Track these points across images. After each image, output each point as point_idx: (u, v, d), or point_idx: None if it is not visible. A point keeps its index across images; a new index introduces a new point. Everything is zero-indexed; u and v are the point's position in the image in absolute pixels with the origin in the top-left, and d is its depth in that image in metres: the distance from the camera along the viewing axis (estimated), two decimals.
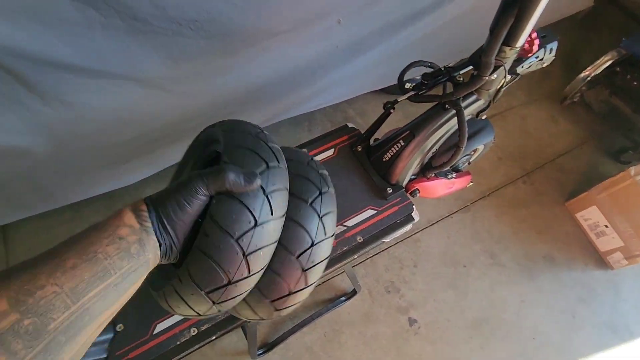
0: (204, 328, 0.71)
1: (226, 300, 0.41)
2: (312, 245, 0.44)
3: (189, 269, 0.39)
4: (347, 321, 1.36)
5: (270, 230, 0.41)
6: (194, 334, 0.70)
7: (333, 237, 0.47)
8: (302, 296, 0.46)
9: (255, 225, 0.40)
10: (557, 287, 1.51)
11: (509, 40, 0.64)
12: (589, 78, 1.74)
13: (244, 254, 0.39)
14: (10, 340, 0.25)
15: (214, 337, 0.72)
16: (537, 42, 0.73)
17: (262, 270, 0.42)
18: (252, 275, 0.40)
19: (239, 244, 0.39)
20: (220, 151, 0.46)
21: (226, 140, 0.46)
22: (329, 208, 0.48)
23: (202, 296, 0.40)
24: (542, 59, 0.80)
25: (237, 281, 0.40)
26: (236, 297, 0.41)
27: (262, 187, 0.41)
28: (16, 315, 0.26)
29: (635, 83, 1.72)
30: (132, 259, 0.34)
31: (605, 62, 1.67)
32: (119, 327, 0.69)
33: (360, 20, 1.26)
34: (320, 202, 0.46)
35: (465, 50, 1.76)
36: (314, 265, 0.45)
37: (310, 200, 0.46)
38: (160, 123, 1.23)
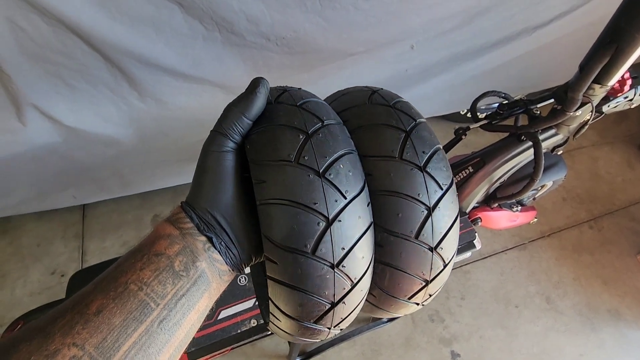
0: (253, 325, 0.75)
1: (345, 254, 0.27)
2: (430, 213, 0.29)
3: (270, 236, 0.27)
4: (387, 343, 1.34)
5: (336, 134, 0.29)
6: (253, 325, 0.74)
7: (452, 183, 0.31)
8: (441, 281, 0.32)
9: (308, 136, 0.28)
10: (621, 346, 1.37)
11: (601, 78, 0.63)
12: None
13: (318, 174, 0.27)
14: None
15: (269, 332, 0.76)
16: (629, 82, 0.71)
17: (364, 185, 0.29)
18: (352, 199, 0.27)
19: (304, 165, 0.27)
20: None
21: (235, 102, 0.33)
22: (429, 146, 0.31)
23: (308, 260, 0.27)
24: (631, 100, 0.78)
25: (338, 213, 0.27)
26: (350, 314, 0.30)
27: (287, 103, 0.31)
28: None
29: None
30: (178, 278, 0.25)
31: None
32: None
33: (432, 47, 1.29)
34: (413, 148, 0.30)
35: (533, 86, 1.72)
36: (444, 236, 0.30)
37: (397, 152, 0.30)
38: None
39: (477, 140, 1.61)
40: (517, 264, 1.53)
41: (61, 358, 0.20)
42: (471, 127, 0.90)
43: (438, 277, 0.31)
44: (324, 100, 0.36)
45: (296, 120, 0.29)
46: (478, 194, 0.89)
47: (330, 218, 0.27)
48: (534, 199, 1.11)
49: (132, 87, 1.08)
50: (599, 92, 0.66)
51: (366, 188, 0.29)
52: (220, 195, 0.28)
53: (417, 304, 0.33)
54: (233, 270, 0.29)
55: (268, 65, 1.10)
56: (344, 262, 0.27)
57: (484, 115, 0.88)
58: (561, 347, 1.36)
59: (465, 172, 0.88)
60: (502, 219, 0.99)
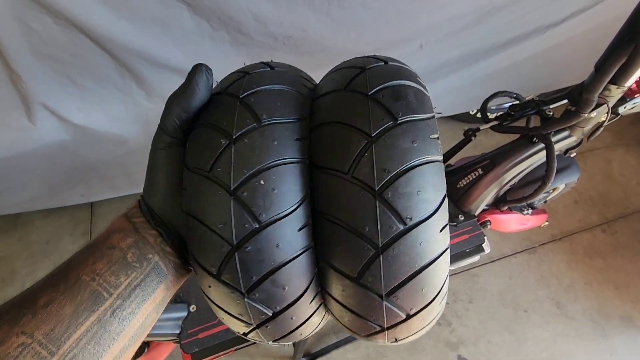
0: None
1: (257, 282, 0.24)
2: (379, 253, 0.23)
3: (189, 246, 0.27)
4: (392, 346, 1.32)
5: (265, 141, 0.24)
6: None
7: (428, 224, 0.24)
8: (429, 316, 0.27)
9: (231, 141, 0.24)
10: (633, 352, 1.34)
11: (617, 79, 0.61)
12: None
13: (228, 190, 0.24)
14: None
15: None
16: None
17: (296, 210, 0.24)
18: (267, 223, 0.23)
19: (215, 178, 0.24)
20: None
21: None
22: (388, 80, 0.26)
23: (216, 284, 0.25)
24: None
25: (244, 240, 0.23)
26: (270, 272, 0.25)
27: (231, 94, 0.27)
28: None
29: None
30: (132, 269, 0.25)
31: None
32: (193, 308, 0.75)
33: (441, 47, 1.27)
34: (371, 163, 0.24)
35: (545, 87, 1.69)
36: (398, 286, 0.24)
37: (345, 84, 0.27)
38: None
39: (487, 141, 1.58)
40: (527, 267, 1.50)
41: (10, 345, 0.20)
42: (481, 128, 0.88)
43: (420, 313, 0.26)
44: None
45: (227, 119, 0.25)
46: (487, 196, 0.87)
47: (235, 244, 0.23)
48: (545, 202, 1.09)
49: (140, 86, 1.08)
50: (616, 93, 0.64)
51: (300, 210, 0.24)
52: (155, 190, 0.28)
53: (399, 340, 0.30)
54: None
55: None
56: (256, 290, 0.24)
57: (494, 115, 0.86)
58: (571, 354, 1.33)
59: (475, 174, 0.86)
60: (512, 222, 0.97)
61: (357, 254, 0.24)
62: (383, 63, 0.29)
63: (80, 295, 0.23)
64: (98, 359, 0.23)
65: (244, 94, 0.26)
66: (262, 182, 0.23)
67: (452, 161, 0.99)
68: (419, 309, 0.25)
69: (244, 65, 0.32)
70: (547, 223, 1.06)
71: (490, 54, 1.37)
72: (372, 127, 0.24)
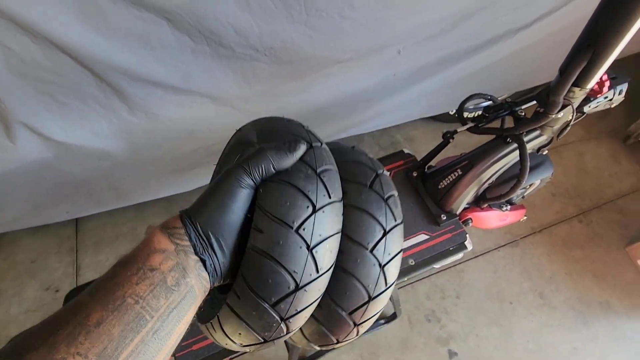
0: None
1: (296, 313, 0.33)
2: (385, 234, 0.36)
3: (246, 277, 0.31)
4: (385, 345, 1.35)
5: (332, 216, 0.33)
6: None
7: (402, 223, 0.39)
8: (381, 303, 0.38)
9: (314, 210, 0.32)
10: (614, 337, 1.40)
11: (580, 82, 0.65)
12: None
13: (308, 247, 0.32)
14: None
15: None
16: (607, 83, 0.74)
17: (331, 269, 0.34)
18: (321, 275, 0.33)
19: (301, 235, 0.31)
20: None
21: (258, 129, 0.41)
22: (391, 190, 0.40)
23: (266, 311, 0.32)
24: (610, 100, 0.80)
25: (306, 284, 0.32)
26: (307, 307, 0.33)
27: (310, 166, 0.34)
28: None
29: None
30: (170, 292, 0.27)
31: None
32: None
33: (419, 52, 1.31)
34: (380, 184, 0.39)
35: (519, 86, 1.76)
36: (391, 259, 0.37)
37: (369, 183, 0.39)
38: (225, 136, 1.31)
39: (468, 140, 1.63)
40: (510, 261, 1.55)
41: None
42: (458, 130, 0.92)
43: (379, 297, 0.37)
44: (332, 146, 0.43)
45: (310, 189, 0.33)
46: (468, 195, 0.91)
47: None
48: (523, 197, 1.14)
49: (122, 101, 1.08)
50: (579, 94, 0.68)
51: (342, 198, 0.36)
52: (224, 219, 0.31)
53: (355, 324, 0.37)
54: (213, 285, 0.32)
55: (257, 75, 1.12)
56: (318, 248, 0.32)
57: (473, 114, 0.90)
58: (555, 343, 1.38)
59: (455, 175, 0.89)
60: (492, 218, 1.01)
61: (356, 298, 0.36)
62: (388, 173, 0.45)
63: (127, 317, 0.25)
64: None
65: (320, 170, 0.35)
66: (327, 246, 0.33)
67: (433, 162, 1.03)
68: (391, 282, 0.38)
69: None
70: (525, 217, 1.11)
71: (465, 57, 1.42)
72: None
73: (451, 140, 0.92)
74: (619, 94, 0.80)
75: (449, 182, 0.90)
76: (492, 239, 1.61)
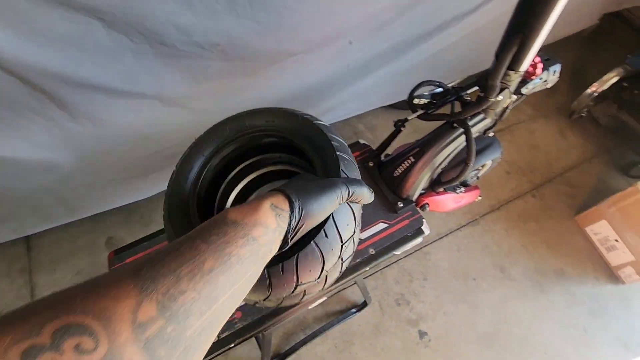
0: (223, 335, 0.75)
1: (346, 259, 0.49)
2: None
3: (299, 260, 0.43)
4: (358, 333, 1.38)
5: (355, 244, 0.49)
6: (214, 340, 0.73)
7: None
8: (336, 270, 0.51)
9: (353, 234, 0.46)
10: (568, 302, 1.50)
11: (514, 65, 0.68)
12: (595, 94, 1.77)
13: (341, 259, 0.46)
14: (156, 347, 0.24)
15: (232, 345, 0.76)
16: (540, 65, 0.77)
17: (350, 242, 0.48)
18: (339, 276, 0.49)
19: (341, 249, 0.45)
20: (304, 149, 0.54)
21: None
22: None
23: (339, 249, 0.45)
24: (546, 81, 0.84)
25: (326, 281, 0.47)
26: (347, 258, 0.49)
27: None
28: (162, 321, 0.25)
29: None
30: (258, 262, 0.33)
31: (611, 78, 1.70)
32: None
33: (370, 41, 1.32)
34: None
35: (470, 69, 1.81)
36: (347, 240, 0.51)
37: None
38: (179, 138, 1.29)
39: (428, 127, 1.68)
40: (472, 239, 1.62)
41: (186, 297, 0.27)
42: (409, 118, 0.94)
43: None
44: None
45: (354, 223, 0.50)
46: (422, 181, 0.93)
47: (355, 232, 0.49)
48: (477, 178, 1.18)
49: (62, 109, 1.02)
50: (514, 77, 0.71)
51: None
52: (317, 219, 0.40)
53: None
54: None
55: (206, 73, 1.08)
56: (345, 261, 0.50)
57: (425, 101, 0.92)
58: (517, 312, 1.46)
59: (408, 162, 0.91)
60: (448, 201, 1.04)
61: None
62: None
63: (229, 271, 0.30)
64: (227, 315, 0.31)
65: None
66: (351, 243, 0.48)
67: (390, 150, 1.05)
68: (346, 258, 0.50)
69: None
70: (480, 198, 1.16)
71: (416, 44, 1.45)
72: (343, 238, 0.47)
73: (402, 128, 0.94)
74: (553, 74, 0.84)
75: (403, 169, 0.92)
76: (454, 220, 1.67)
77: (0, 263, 1.40)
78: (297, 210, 0.37)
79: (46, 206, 1.32)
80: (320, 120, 0.57)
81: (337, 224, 0.44)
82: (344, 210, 0.45)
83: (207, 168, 0.58)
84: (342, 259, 0.47)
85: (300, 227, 0.38)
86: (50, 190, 1.26)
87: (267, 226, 0.34)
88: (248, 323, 0.76)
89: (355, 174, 0.50)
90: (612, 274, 1.58)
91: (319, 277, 0.45)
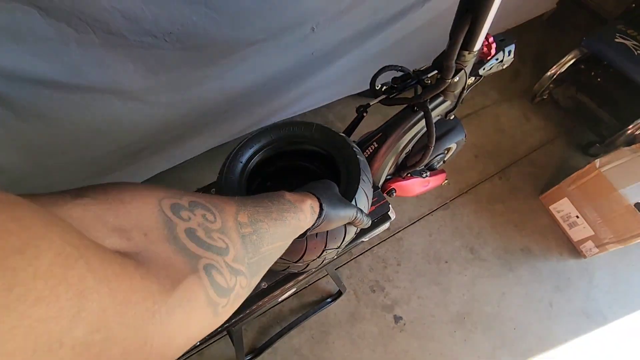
0: None
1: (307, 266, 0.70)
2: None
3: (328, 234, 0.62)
4: (334, 322, 1.38)
5: (332, 255, 0.67)
6: None
7: None
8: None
9: (337, 248, 0.64)
10: (535, 278, 1.56)
11: (467, 45, 0.68)
12: (555, 76, 1.82)
13: (319, 256, 0.65)
14: (247, 243, 0.33)
15: (197, 343, 0.73)
16: (494, 45, 0.78)
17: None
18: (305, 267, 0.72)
19: (323, 252, 0.64)
20: (340, 170, 0.67)
21: (362, 180, 0.63)
22: None
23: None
24: (501, 61, 0.85)
25: (300, 262, 0.65)
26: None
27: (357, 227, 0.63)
28: (250, 228, 0.34)
29: (599, 80, 1.81)
30: (294, 234, 0.44)
31: (568, 61, 1.76)
32: None
33: (333, 28, 1.30)
34: None
35: (434, 54, 1.82)
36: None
37: None
38: (140, 134, 1.24)
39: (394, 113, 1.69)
40: (443, 223, 1.65)
41: (262, 224, 0.36)
42: (371, 103, 0.93)
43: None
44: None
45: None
46: (387, 166, 0.93)
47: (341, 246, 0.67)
48: (444, 162, 1.20)
49: (4, 107, 0.94)
50: (469, 57, 0.72)
51: None
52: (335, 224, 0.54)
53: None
54: None
55: (162, 63, 1.03)
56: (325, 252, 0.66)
57: (385, 87, 0.91)
58: (486, 291, 1.51)
59: (372, 148, 0.91)
60: (414, 186, 1.05)
61: None
62: None
63: (283, 229, 0.40)
64: (270, 262, 0.39)
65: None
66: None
67: (354, 137, 1.04)
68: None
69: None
70: (447, 181, 1.17)
71: (380, 30, 1.44)
72: None
73: (365, 114, 0.93)
74: (509, 54, 0.85)
75: (367, 155, 0.92)
76: (425, 205, 1.69)
77: None
78: (323, 216, 0.48)
79: None
80: (363, 156, 0.68)
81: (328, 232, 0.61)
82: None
83: (253, 159, 0.72)
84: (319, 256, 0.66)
85: (318, 227, 0.50)
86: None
87: (306, 216, 0.45)
88: None
89: (363, 205, 0.62)
90: (574, 249, 1.65)
91: (338, 247, 0.64)
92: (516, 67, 2.10)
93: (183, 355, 0.72)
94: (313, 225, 0.48)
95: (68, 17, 0.82)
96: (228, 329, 0.79)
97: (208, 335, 0.73)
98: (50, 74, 0.91)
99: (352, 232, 0.65)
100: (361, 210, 0.57)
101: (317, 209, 0.48)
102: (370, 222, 0.60)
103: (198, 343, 0.73)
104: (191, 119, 1.30)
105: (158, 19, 0.91)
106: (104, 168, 1.31)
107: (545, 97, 1.97)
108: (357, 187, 0.61)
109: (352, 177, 0.64)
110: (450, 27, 0.80)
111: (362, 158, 0.66)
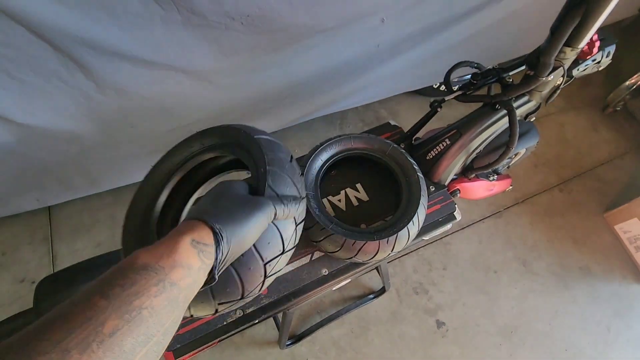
0: (249, 311, 0.74)
1: (228, 309, 0.46)
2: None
3: (257, 245, 0.42)
4: (375, 319, 1.36)
5: (288, 257, 0.46)
6: (239, 315, 0.72)
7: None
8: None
9: (282, 252, 0.44)
10: (592, 299, 1.46)
11: (571, 41, 0.63)
12: (634, 87, 1.68)
13: (264, 276, 0.44)
14: None
15: (256, 321, 0.74)
16: (597, 44, 0.72)
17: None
18: (260, 292, 0.46)
19: (265, 268, 0.43)
20: (245, 162, 0.53)
21: (269, 161, 0.48)
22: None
23: (211, 305, 0.43)
24: (599, 62, 0.79)
25: (247, 297, 0.44)
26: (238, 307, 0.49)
27: (294, 218, 0.46)
28: None
29: None
30: (178, 308, 0.28)
31: None
32: None
33: (402, 21, 1.26)
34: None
35: (503, 56, 1.73)
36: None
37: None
38: (202, 114, 1.27)
39: (452, 113, 1.62)
40: (494, 231, 1.58)
41: None
42: (446, 98, 0.89)
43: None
44: None
45: (291, 237, 0.48)
46: (456, 165, 0.90)
47: (285, 250, 0.46)
48: (508, 167, 1.14)
49: (88, 78, 1.00)
50: (570, 55, 0.67)
51: None
52: (246, 247, 0.38)
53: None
54: None
55: (234, 46, 1.05)
56: (269, 278, 0.46)
57: (456, 87, 0.87)
58: (538, 307, 1.43)
59: (443, 145, 0.88)
60: (479, 189, 1.01)
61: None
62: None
63: (139, 329, 0.25)
64: None
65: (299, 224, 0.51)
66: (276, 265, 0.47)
67: (420, 134, 1.01)
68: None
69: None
70: (511, 187, 1.11)
71: (449, 26, 1.38)
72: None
73: (439, 109, 0.89)
74: (607, 56, 0.79)
75: (437, 152, 0.89)
76: (477, 211, 1.62)
77: (24, 232, 1.41)
78: (223, 242, 0.33)
79: (69, 177, 1.32)
80: (265, 135, 0.55)
81: (256, 244, 0.41)
82: (267, 229, 0.42)
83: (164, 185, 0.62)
84: (266, 277, 0.45)
85: (227, 259, 0.34)
86: (73, 161, 1.26)
87: (189, 267, 0.29)
88: (273, 300, 0.74)
89: (288, 189, 0.46)
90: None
91: (241, 297, 0.44)
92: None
93: (240, 326, 0.73)
94: (215, 264, 0.32)
95: None
96: (284, 311, 0.79)
97: (261, 312, 0.74)
98: (134, 49, 0.95)
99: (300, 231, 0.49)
100: (280, 199, 0.42)
101: (209, 239, 0.32)
102: (303, 208, 0.46)
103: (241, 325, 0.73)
104: (252, 102, 1.32)
105: (239, 1, 0.92)
106: (165, 145, 1.35)
107: (619, 108, 1.82)
108: (265, 170, 0.46)
109: (257, 160, 0.49)
110: (524, 27, 0.74)
111: (265, 136, 0.53)
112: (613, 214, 1.59)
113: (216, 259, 0.32)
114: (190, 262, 0.30)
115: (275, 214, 0.40)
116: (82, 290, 0.26)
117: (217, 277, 0.33)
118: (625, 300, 1.47)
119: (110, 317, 0.24)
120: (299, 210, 0.45)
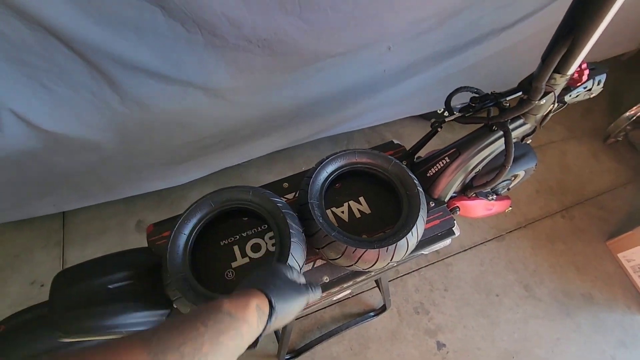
0: None
1: None
2: None
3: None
4: (374, 337, 1.36)
5: None
6: None
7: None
8: None
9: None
10: (596, 328, 1.44)
11: (561, 68, 0.69)
12: (634, 118, 1.73)
13: None
14: None
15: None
16: (586, 72, 0.77)
17: None
18: None
19: None
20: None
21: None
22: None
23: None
24: (590, 90, 0.84)
25: None
26: None
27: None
28: None
29: None
30: (237, 353, 0.38)
31: None
32: (175, 305, 0.75)
33: (409, 48, 1.34)
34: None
35: (502, 85, 1.80)
36: None
37: None
38: (217, 129, 1.34)
39: (453, 137, 1.68)
40: (496, 254, 1.59)
41: None
42: (447, 119, 0.94)
43: None
44: None
45: None
46: (455, 183, 0.93)
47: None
48: (508, 189, 1.17)
49: (114, 90, 1.08)
50: (560, 81, 0.72)
51: None
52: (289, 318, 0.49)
53: None
54: None
55: (250, 67, 1.13)
56: None
57: (457, 111, 0.93)
58: (540, 333, 1.41)
59: (442, 163, 0.92)
60: (478, 207, 1.04)
61: None
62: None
63: (216, 359, 0.34)
64: None
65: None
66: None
67: (421, 153, 1.06)
68: None
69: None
70: (510, 208, 1.14)
71: (452, 55, 1.46)
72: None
73: (439, 129, 0.95)
74: (598, 84, 0.84)
75: (437, 169, 0.93)
76: (479, 234, 1.64)
77: (39, 235, 1.46)
78: (274, 316, 0.42)
79: (86, 185, 1.38)
80: (289, 210, 0.75)
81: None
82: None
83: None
84: None
85: (269, 329, 0.43)
86: (91, 169, 1.32)
87: (251, 325, 0.39)
88: None
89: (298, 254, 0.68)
90: None
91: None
92: (588, 104, 2.02)
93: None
94: (262, 331, 0.41)
95: (183, 18, 0.93)
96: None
97: None
98: (158, 66, 1.03)
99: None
100: (311, 287, 0.53)
101: (267, 308, 0.42)
102: (319, 293, 0.56)
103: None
104: (264, 120, 1.39)
105: (256, 26, 1.01)
106: (179, 157, 1.43)
107: (620, 138, 1.86)
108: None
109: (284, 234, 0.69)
110: (525, 58, 0.80)
111: (287, 210, 0.71)
112: (616, 242, 1.60)
113: (265, 327, 0.41)
114: (253, 322, 0.39)
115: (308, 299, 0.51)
116: (187, 314, 0.36)
117: (258, 342, 0.41)
118: (629, 330, 1.45)
119: (206, 343, 0.34)
120: (317, 296, 0.55)
